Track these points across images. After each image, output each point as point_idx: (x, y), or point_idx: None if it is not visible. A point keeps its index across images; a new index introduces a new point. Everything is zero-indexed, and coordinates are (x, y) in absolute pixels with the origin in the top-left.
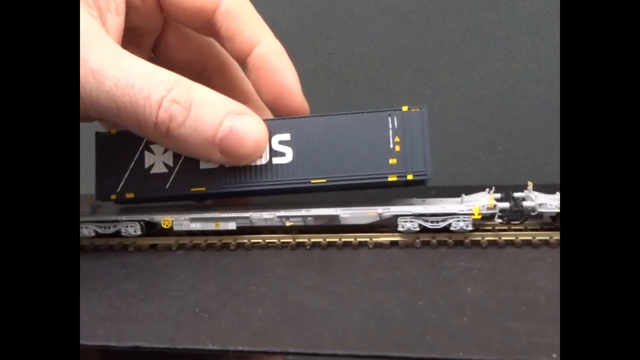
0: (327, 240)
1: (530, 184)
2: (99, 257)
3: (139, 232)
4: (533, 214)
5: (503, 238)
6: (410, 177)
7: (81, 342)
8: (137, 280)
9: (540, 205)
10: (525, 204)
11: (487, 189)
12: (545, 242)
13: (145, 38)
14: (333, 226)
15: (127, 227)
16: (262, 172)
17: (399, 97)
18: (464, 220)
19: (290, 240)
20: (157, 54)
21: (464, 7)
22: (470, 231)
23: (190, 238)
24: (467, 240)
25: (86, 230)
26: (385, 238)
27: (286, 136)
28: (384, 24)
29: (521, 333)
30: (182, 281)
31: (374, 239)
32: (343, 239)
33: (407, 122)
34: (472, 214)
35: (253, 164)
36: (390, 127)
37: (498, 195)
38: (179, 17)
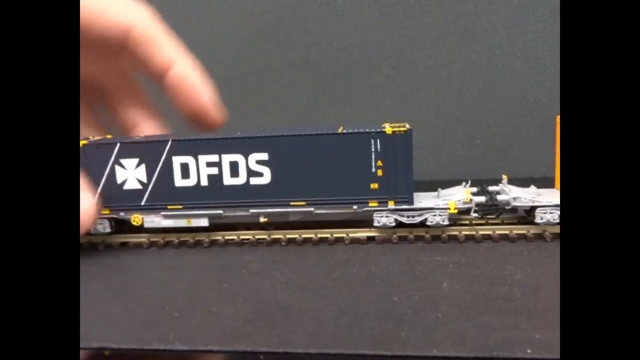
0: (303, 236)
1: (504, 178)
2: None
3: (108, 230)
4: (507, 207)
5: (480, 232)
6: (391, 203)
7: None
8: (106, 279)
9: (514, 199)
10: (499, 197)
11: (464, 183)
12: (523, 236)
13: None
14: (310, 222)
15: (95, 224)
16: (239, 192)
17: (377, 91)
18: (440, 215)
19: (266, 236)
20: None
21: (442, 0)
22: (448, 226)
23: (162, 235)
24: (444, 235)
25: None
26: (362, 233)
27: (264, 155)
28: (362, 17)
29: (496, 328)
30: (153, 279)
31: (351, 235)
32: (319, 235)
33: (391, 144)
34: (448, 209)
35: (231, 184)
36: (373, 149)
37: (474, 189)
38: (86, 45)
